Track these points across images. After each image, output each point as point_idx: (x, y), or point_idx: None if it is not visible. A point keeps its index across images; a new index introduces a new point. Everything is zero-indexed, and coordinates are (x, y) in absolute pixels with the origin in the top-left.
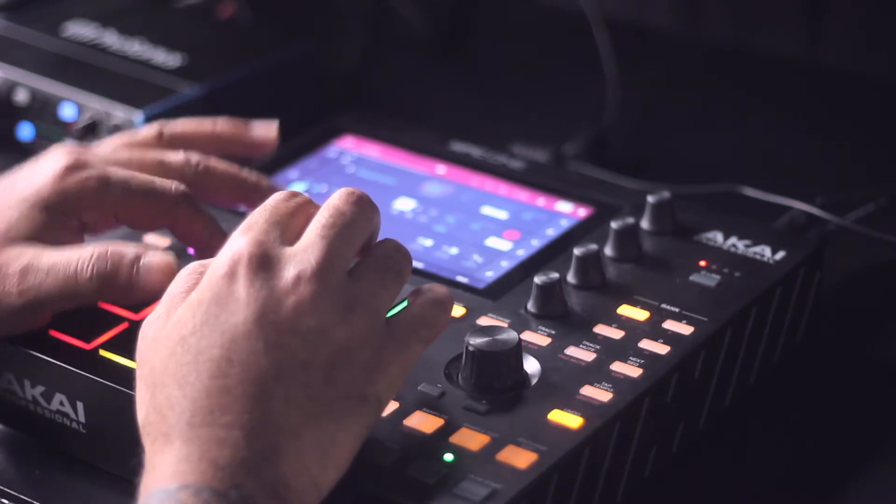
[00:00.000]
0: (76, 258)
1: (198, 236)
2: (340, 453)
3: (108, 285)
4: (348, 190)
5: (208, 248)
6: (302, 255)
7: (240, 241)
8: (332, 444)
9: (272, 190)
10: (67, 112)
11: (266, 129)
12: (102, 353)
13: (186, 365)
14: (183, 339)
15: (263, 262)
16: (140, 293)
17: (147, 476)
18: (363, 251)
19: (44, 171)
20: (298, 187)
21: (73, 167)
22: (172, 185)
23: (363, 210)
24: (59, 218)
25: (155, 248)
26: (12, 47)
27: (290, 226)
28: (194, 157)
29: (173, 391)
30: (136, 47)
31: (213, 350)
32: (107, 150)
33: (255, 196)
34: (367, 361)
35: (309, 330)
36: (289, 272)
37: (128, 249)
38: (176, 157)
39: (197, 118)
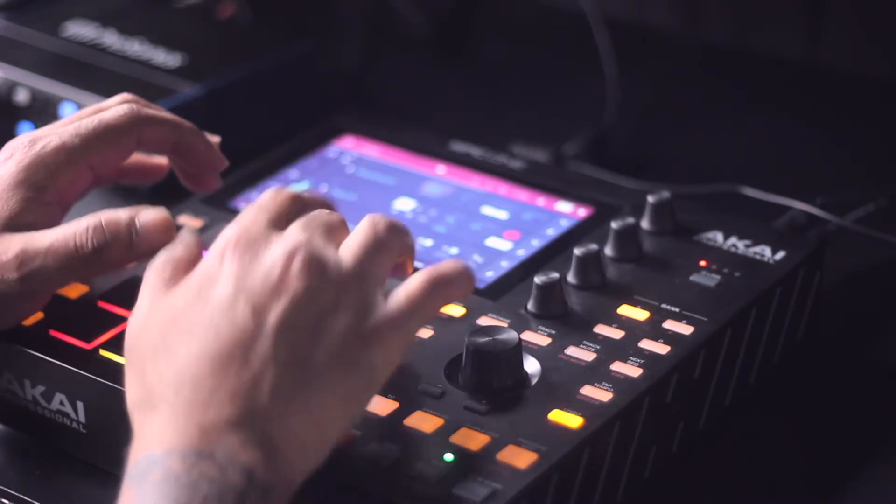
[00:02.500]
0: (72, 234)
1: (166, 139)
2: (331, 419)
3: (111, 253)
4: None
5: (180, 147)
6: (291, 233)
7: (229, 230)
8: (320, 409)
9: (196, 133)
10: (67, 112)
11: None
12: (102, 353)
13: (176, 342)
14: (174, 319)
15: (251, 241)
16: (142, 253)
17: (135, 445)
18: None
19: (2, 158)
20: (298, 188)
21: (29, 144)
22: (117, 107)
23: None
24: (35, 194)
25: (146, 206)
26: (12, 47)
27: (280, 216)
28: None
29: (161, 366)
30: (136, 47)
31: (201, 322)
32: (51, 125)
33: (189, 139)
34: (359, 327)
35: (297, 293)
36: (278, 247)
37: (121, 213)
38: (110, 102)
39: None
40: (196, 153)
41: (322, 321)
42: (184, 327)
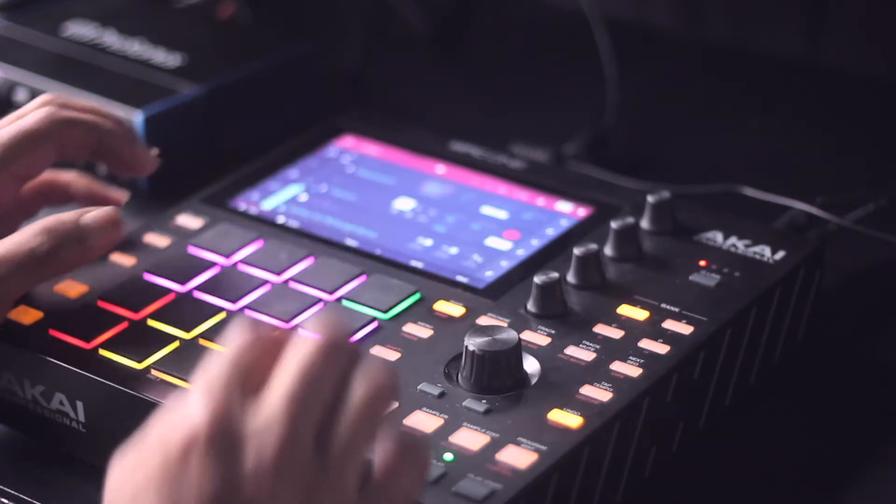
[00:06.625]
0: (26, 240)
1: (86, 141)
2: None
3: (66, 252)
4: (325, 337)
5: (101, 148)
6: (263, 437)
7: (197, 412)
8: None
9: (119, 134)
10: None
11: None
12: (102, 352)
13: None
14: (135, 497)
15: (221, 445)
16: (95, 248)
17: None
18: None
19: None
20: (298, 187)
21: None
22: (35, 111)
23: (337, 362)
24: None
25: (90, 207)
26: (12, 47)
27: (254, 374)
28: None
29: None
30: (136, 47)
31: None
32: None
33: (110, 140)
34: None
35: None
36: (247, 459)
37: (67, 215)
38: (30, 106)
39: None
40: (118, 155)
41: None
42: None
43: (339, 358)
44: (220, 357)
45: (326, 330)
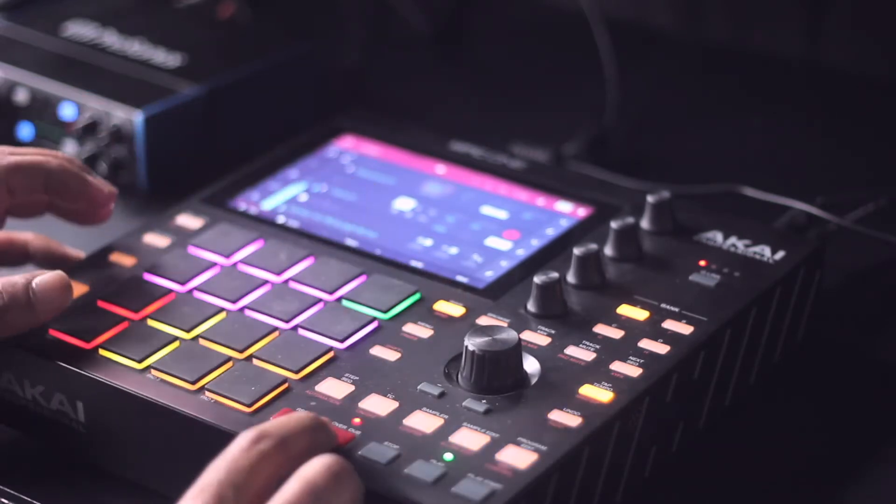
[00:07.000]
0: None
1: (35, 182)
2: None
3: (13, 316)
4: (329, 461)
5: (50, 186)
6: None
7: None
8: None
9: (67, 170)
10: (67, 112)
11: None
12: (102, 352)
13: None
14: None
15: None
16: (43, 313)
17: None
18: None
19: None
20: (298, 187)
21: None
22: None
23: (346, 489)
24: None
25: (42, 270)
26: (12, 47)
27: (249, 484)
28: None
29: None
30: (136, 47)
31: None
32: None
33: (60, 177)
34: None
35: None
36: None
37: (16, 278)
38: None
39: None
40: (69, 189)
41: None
42: None
43: (348, 485)
44: (217, 462)
45: (341, 460)
